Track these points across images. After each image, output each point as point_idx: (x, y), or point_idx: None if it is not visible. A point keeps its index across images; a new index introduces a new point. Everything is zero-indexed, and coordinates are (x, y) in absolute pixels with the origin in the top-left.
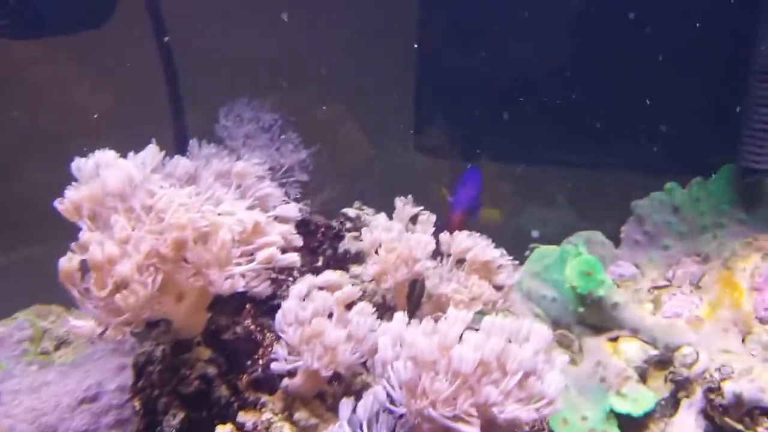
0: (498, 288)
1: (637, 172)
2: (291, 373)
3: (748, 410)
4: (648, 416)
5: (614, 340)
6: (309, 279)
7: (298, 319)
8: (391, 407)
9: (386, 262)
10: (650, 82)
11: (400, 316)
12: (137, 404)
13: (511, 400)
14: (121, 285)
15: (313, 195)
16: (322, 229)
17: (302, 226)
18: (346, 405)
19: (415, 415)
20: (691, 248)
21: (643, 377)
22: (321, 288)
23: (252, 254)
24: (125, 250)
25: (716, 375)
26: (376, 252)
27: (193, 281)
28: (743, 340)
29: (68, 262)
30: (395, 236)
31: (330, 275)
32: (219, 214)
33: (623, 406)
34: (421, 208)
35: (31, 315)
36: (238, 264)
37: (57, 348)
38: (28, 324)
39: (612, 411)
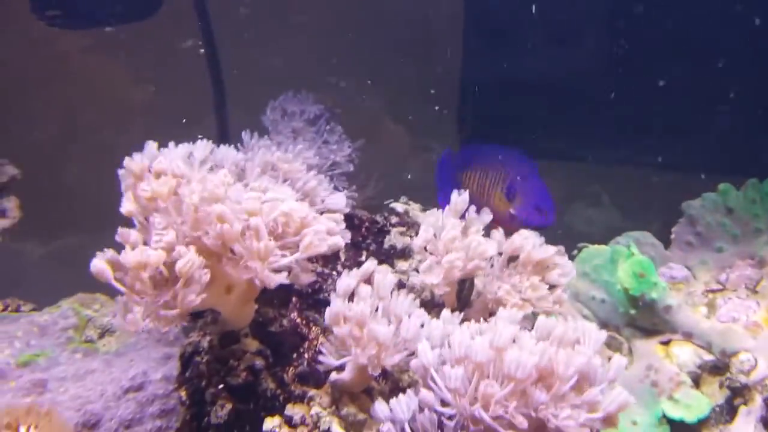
0: (551, 287)
1: (686, 172)
2: (339, 368)
3: None
4: (702, 423)
5: (666, 343)
6: (356, 272)
7: (347, 313)
8: (440, 408)
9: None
10: (701, 79)
11: (447, 316)
12: (183, 394)
13: (564, 406)
14: (171, 280)
15: (358, 190)
16: (366, 224)
17: (346, 220)
18: (392, 403)
19: (463, 416)
20: (745, 251)
21: (696, 383)
22: (367, 281)
23: (298, 246)
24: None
25: None
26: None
27: (241, 273)
28: None
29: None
30: (455, 235)
31: (380, 267)
32: (264, 202)
33: (676, 412)
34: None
35: (74, 303)
36: (284, 256)
37: (101, 336)
38: (72, 312)
39: (664, 416)
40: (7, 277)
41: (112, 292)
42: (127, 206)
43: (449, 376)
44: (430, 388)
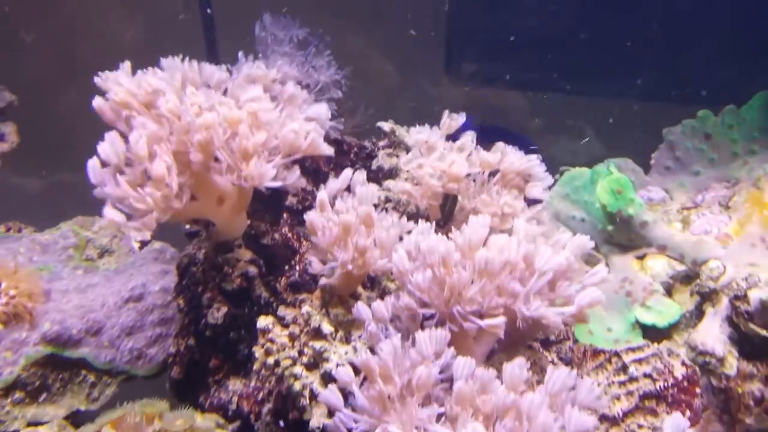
0: (531, 202)
1: (667, 102)
2: (327, 275)
3: None
4: (673, 327)
5: (641, 258)
6: (333, 183)
7: (324, 223)
8: (420, 309)
9: (421, 178)
10: (680, 8)
11: (422, 227)
12: (181, 302)
13: (538, 298)
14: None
15: (346, 118)
16: (355, 149)
17: (335, 145)
18: (374, 305)
19: (442, 314)
20: (722, 175)
21: (669, 292)
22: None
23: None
24: (154, 150)
25: (743, 284)
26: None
27: (228, 179)
28: None
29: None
30: (438, 154)
31: (357, 175)
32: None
33: (648, 318)
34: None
35: (74, 225)
36: (270, 161)
37: (100, 256)
38: (72, 233)
39: (637, 322)
40: (8, 208)
41: None
42: (97, 102)
43: (420, 279)
44: (409, 291)
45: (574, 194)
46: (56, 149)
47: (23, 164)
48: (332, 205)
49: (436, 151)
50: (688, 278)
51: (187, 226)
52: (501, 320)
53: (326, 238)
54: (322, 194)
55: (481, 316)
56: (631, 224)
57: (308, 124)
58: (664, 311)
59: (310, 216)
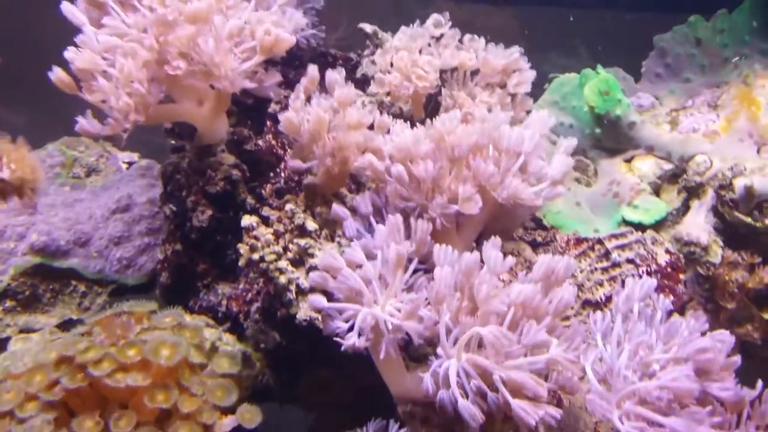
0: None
1: (655, 11)
2: (311, 174)
3: (757, 203)
4: (659, 225)
5: (629, 160)
6: (305, 80)
7: (296, 120)
8: (400, 203)
9: (399, 71)
10: None
11: (398, 128)
12: (167, 210)
13: (510, 176)
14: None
15: (329, 31)
16: (340, 61)
17: (320, 58)
18: (356, 199)
19: (422, 207)
20: (713, 81)
21: (657, 192)
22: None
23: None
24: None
25: (728, 173)
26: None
27: (206, 81)
28: (758, 151)
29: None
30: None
31: (332, 74)
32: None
33: (634, 216)
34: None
35: (60, 145)
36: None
37: (88, 175)
38: (59, 152)
39: (623, 221)
40: None
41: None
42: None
43: (396, 173)
44: (388, 186)
45: (563, 101)
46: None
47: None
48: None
49: (411, 51)
50: (675, 177)
51: (173, 142)
52: (475, 198)
53: (303, 136)
54: (296, 92)
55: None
56: (619, 126)
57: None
58: (650, 209)
59: (284, 115)
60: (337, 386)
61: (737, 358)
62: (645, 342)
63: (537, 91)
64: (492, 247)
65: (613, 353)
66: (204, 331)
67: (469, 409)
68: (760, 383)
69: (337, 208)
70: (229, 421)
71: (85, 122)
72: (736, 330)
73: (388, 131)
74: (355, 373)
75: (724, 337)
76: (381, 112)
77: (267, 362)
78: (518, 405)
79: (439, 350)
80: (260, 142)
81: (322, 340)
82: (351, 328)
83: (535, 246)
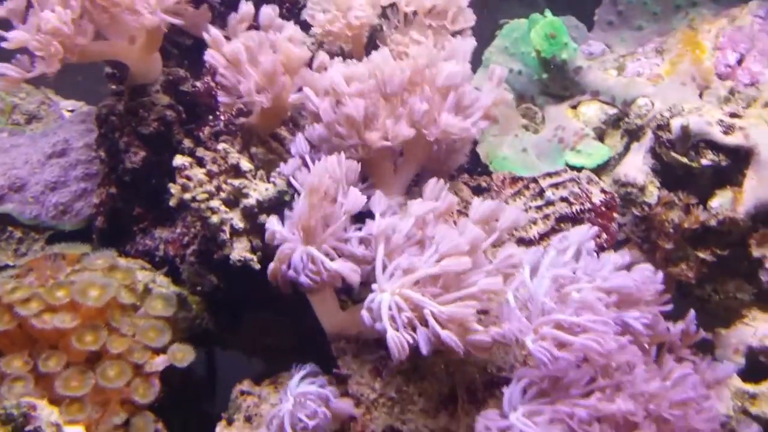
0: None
1: None
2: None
3: (693, 144)
4: (602, 169)
5: (576, 106)
6: (233, 16)
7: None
8: (335, 140)
9: (337, 7)
10: None
11: (334, 65)
12: (102, 153)
13: (444, 113)
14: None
15: None
16: (287, 4)
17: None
18: (296, 139)
19: (355, 145)
20: (664, 28)
21: (601, 137)
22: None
23: None
24: None
25: (666, 113)
26: None
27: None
28: (701, 95)
29: None
30: None
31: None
32: None
33: (577, 160)
34: None
35: None
36: None
37: (28, 122)
38: None
39: (567, 165)
40: None
41: (36, 83)
42: None
43: (326, 108)
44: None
45: (512, 47)
46: None
47: None
48: None
49: None
50: (619, 121)
51: (113, 87)
52: (408, 134)
53: (229, 74)
54: (213, 32)
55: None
56: (565, 70)
57: None
58: (593, 153)
59: (206, 54)
60: (279, 330)
61: (662, 289)
62: (569, 275)
63: (491, 39)
64: (430, 186)
65: (537, 282)
66: (137, 273)
67: (397, 340)
68: (691, 313)
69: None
70: (160, 360)
71: (7, 67)
72: (671, 269)
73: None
74: (297, 317)
75: (648, 272)
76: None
77: (205, 306)
78: (448, 335)
79: (374, 285)
80: (198, 84)
81: (261, 284)
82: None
83: (479, 192)
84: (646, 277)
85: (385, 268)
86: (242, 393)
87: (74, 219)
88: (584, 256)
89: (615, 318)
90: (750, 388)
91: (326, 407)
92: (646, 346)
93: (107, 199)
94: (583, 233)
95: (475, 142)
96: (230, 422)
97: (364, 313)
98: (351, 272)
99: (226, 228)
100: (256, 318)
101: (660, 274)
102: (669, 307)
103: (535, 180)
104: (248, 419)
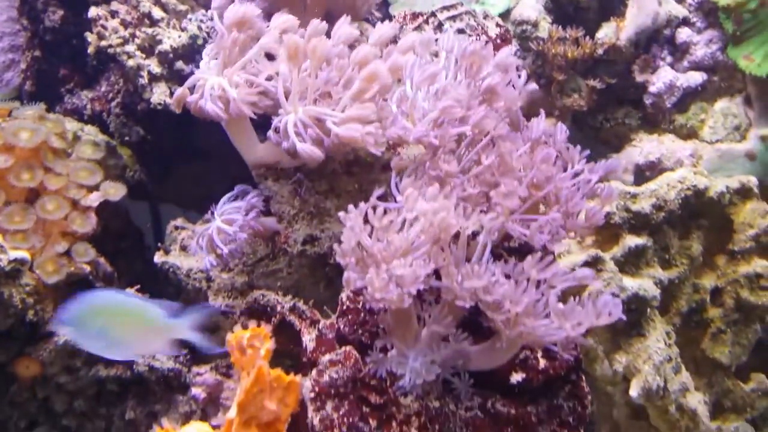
0: None
1: None
2: None
3: None
4: (504, 17)
5: None
6: None
7: None
8: None
9: None
10: None
11: None
12: (24, 21)
13: None
14: None
15: None
16: None
17: None
18: None
19: None
20: None
21: None
22: None
23: None
24: None
25: None
26: None
27: None
28: None
29: None
30: None
31: None
32: None
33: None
34: None
35: None
36: None
37: None
38: None
39: None
40: None
41: None
42: None
43: None
44: None
45: None
46: None
47: None
48: None
49: None
50: None
51: None
52: None
53: None
54: None
55: None
56: None
57: None
58: (496, 3)
59: None
60: (209, 179)
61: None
62: (447, 85)
63: None
64: (338, 22)
65: (415, 90)
66: (66, 123)
67: (307, 149)
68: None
69: None
70: (94, 196)
71: None
72: (565, 101)
73: None
74: (226, 164)
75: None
76: None
77: (136, 159)
78: (346, 128)
79: (280, 110)
80: None
81: (187, 134)
82: None
83: None
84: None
85: (288, 93)
86: (176, 228)
87: (5, 89)
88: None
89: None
90: (632, 189)
91: (253, 218)
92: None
93: (32, 62)
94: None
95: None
96: (167, 252)
97: (271, 134)
98: (253, 100)
99: (144, 73)
100: (185, 167)
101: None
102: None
103: (433, 14)
104: (183, 248)
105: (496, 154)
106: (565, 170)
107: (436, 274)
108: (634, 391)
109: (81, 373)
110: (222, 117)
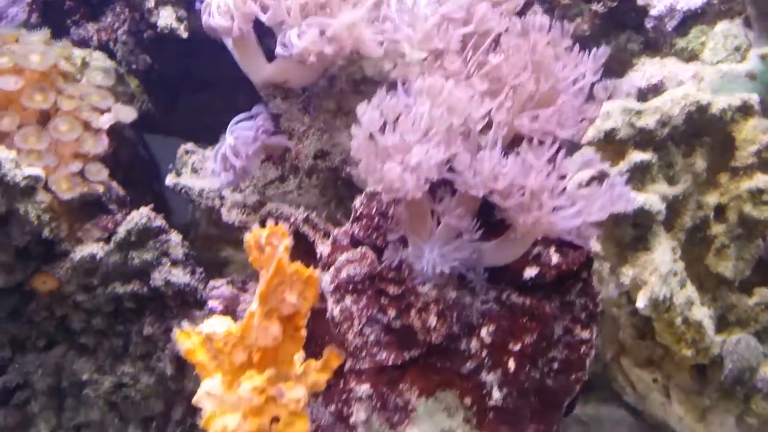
0: None
1: None
2: None
3: None
4: None
5: None
6: None
7: None
8: None
9: None
10: None
11: None
12: None
13: None
14: None
15: None
16: None
17: None
18: None
19: None
20: None
21: None
22: None
23: None
24: None
25: None
26: None
27: None
28: None
29: None
30: None
31: None
32: None
33: None
34: None
35: None
36: None
37: None
38: None
39: None
40: None
41: None
42: None
43: None
44: None
45: None
46: None
47: None
48: None
49: None
50: None
51: None
52: None
53: None
54: None
55: None
56: None
57: None
58: None
59: None
60: (217, 110)
61: None
62: None
63: None
64: None
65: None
66: (73, 50)
67: (312, 48)
68: None
69: None
70: (106, 117)
71: None
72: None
73: None
74: (233, 95)
75: None
76: None
77: (143, 89)
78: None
79: (284, 26)
80: None
81: (194, 64)
82: None
83: None
84: None
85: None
86: (187, 152)
87: (11, 24)
88: None
89: None
90: (636, 105)
91: (263, 133)
92: None
93: None
94: None
95: None
96: (179, 174)
97: (279, 49)
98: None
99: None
100: (192, 97)
101: None
102: None
103: None
104: (195, 171)
105: (502, 52)
106: None
107: (449, 168)
108: (641, 302)
109: (98, 291)
110: (229, 30)
